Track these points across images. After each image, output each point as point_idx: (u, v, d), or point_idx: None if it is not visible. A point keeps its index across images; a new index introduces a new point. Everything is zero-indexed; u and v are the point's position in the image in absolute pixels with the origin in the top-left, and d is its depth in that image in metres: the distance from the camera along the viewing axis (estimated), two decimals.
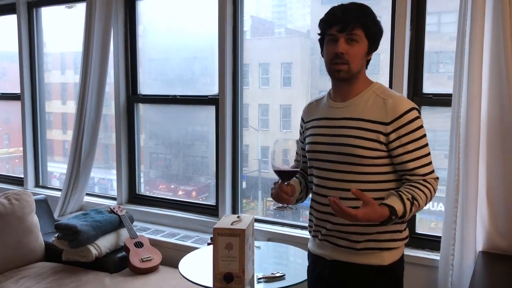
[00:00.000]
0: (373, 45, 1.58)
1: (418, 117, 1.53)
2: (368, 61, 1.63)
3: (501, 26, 1.91)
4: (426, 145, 1.54)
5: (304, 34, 2.86)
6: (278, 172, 1.58)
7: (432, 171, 1.55)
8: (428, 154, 1.54)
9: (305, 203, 2.83)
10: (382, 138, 1.52)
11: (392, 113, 1.51)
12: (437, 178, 1.56)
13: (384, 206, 1.45)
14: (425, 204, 1.52)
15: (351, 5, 1.56)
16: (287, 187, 1.59)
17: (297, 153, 1.74)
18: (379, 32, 1.58)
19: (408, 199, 1.47)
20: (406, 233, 1.64)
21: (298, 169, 1.66)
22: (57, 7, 3.64)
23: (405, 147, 1.51)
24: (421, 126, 1.53)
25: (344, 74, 1.56)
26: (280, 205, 1.61)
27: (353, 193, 1.43)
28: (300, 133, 1.80)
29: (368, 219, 1.43)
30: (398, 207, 1.45)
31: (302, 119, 1.79)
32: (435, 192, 1.54)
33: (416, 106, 1.55)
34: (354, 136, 1.54)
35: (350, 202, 1.52)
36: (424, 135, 1.54)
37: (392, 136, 1.51)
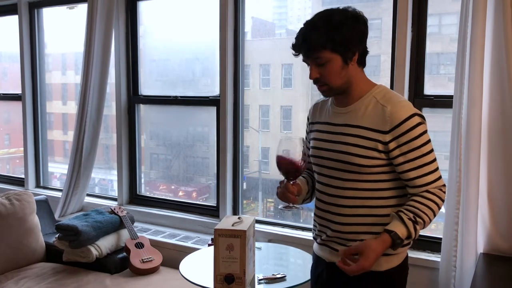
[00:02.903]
0: (348, 52, 1.48)
1: (419, 124, 1.46)
2: (362, 60, 1.53)
3: (503, 27, 1.91)
4: (430, 152, 1.47)
5: None
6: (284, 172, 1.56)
7: (437, 179, 1.48)
8: (432, 161, 1.48)
9: (306, 204, 2.84)
10: (380, 146, 1.47)
11: (391, 121, 1.45)
12: (444, 185, 1.50)
13: (385, 233, 1.44)
14: (434, 216, 1.47)
15: (310, 25, 1.49)
16: (293, 187, 1.57)
17: (303, 153, 1.75)
18: (348, 37, 1.46)
19: (409, 219, 1.43)
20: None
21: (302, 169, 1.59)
22: (59, 8, 3.64)
23: (406, 155, 1.46)
24: (424, 133, 1.47)
25: (329, 93, 1.57)
26: (286, 204, 1.58)
27: (339, 266, 1.44)
28: (306, 132, 1.78)
29: (373, 259, 1.41)
30: (400, 230, 1.43)
31: (308, 118, 1.77)
32: (442, 201, 1.48)
33: (418, 112, 1.49)
34: (352, 144, 1.51)
35: (348, 210, 1.54)
36: (427, 142, 1.47)
37: (392, 145, 1.46)
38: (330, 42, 1.45)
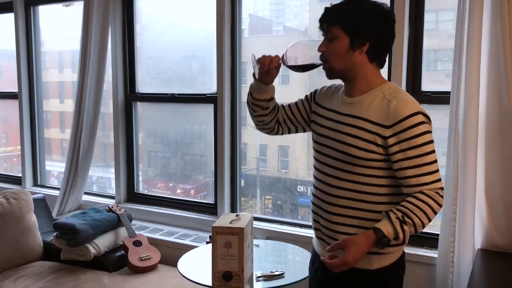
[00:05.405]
0: (359, 38, 1.48)
1: (422, 122, 1.44)
2: (374, 56, 1.52)
3: (499, 23, 1.91)
4: (430, 152, 1.44)
5: (302, 32, 2.85)
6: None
7: (434, 181, 1.44)
8: (432, 162, 1.44)
9: (304, 201, 2.84)
10: (379, 140, 1.46)
11: (394, 116, 1.44)
12: (442, 188, 1.46)
13: (370, 229, 1.43)
14: (428, 219, 1.43)
15: (341, 1, 1.53)
16: (276, 62, 1.57)
17: (290, 104, 1.75)
18: (362, 24, 1.48)
19: (397, 217, 1.41)
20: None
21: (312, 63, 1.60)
22: (55, 6, 3.62)
23: (406, 153, 1.43)
24: (426, 132, 1.44)
25: (331, 74, 1.57)
26: (258, 65, 1.59)
27: (323, 262, 1.45)
28: (306, 98, 1.76)
29: (356, 254, 1.41)
30: (386, 228, 1.40)
31: (315, 92, 1.74)
32: (438, 205, 1.44)
33: (423, 111, 1.46)
34: (351, 135, 1.51)
35: (341, 201, 1.54)
36: (429, 142, 1.44)
37: (392, 141, 1.44)
38: (343, 20, 1.49)
